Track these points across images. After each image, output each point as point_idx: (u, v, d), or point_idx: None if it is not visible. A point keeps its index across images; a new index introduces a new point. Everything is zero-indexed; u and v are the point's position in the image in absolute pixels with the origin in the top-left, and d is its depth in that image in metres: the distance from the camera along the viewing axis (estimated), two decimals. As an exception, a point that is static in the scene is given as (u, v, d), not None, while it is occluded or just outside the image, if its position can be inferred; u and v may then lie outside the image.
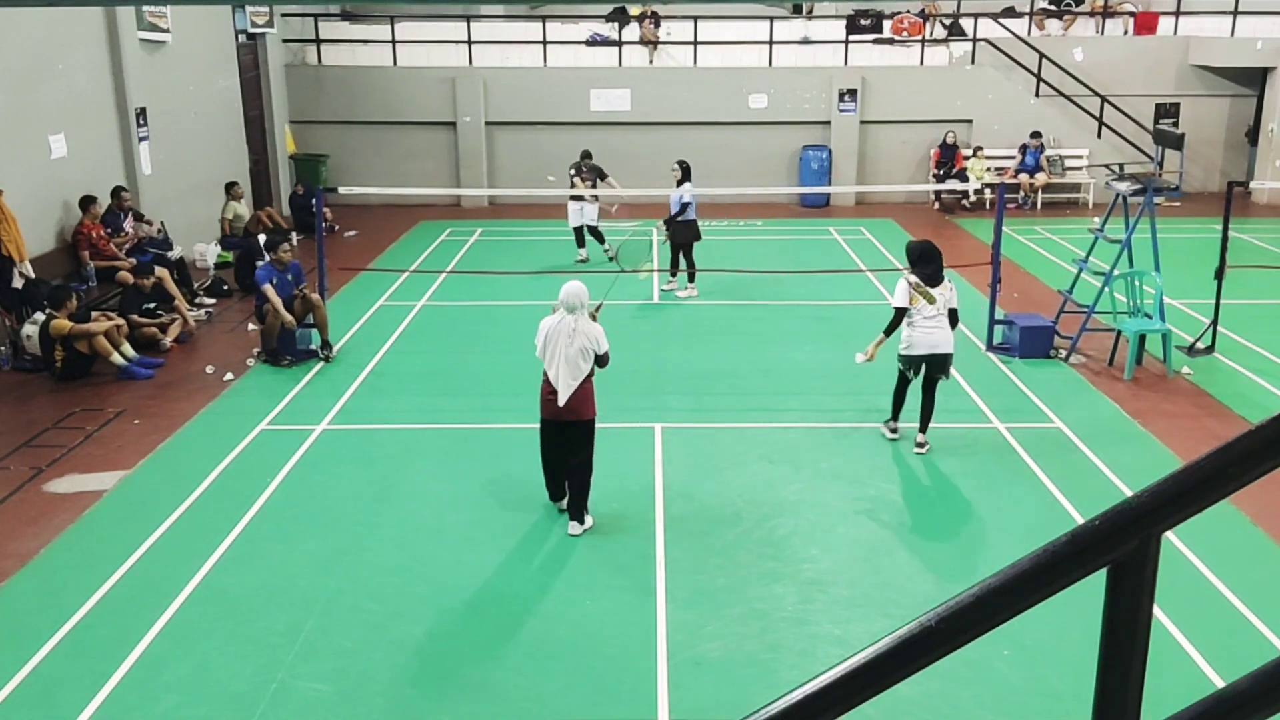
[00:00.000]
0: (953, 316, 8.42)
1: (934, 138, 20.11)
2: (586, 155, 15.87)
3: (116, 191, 13.28)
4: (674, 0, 17.04)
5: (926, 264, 8.34)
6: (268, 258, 11.52)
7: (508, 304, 13.26)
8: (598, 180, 15.41)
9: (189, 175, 15.67)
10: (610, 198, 15.62)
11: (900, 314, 8.37)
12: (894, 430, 8.82)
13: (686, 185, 13.24)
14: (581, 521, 7.32)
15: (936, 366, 8.40)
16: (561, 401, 7.07)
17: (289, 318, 10.80)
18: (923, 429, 8.60)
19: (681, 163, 13.44)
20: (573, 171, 15.41)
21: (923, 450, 8.56)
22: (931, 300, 8.26)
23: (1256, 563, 6.90)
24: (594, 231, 15.37)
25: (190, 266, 14.18)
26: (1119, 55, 20.55)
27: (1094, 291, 11.17)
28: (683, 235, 13.41)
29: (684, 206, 13.22)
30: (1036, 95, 20.34)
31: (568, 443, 7.26)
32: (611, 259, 15.01)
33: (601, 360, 7.22)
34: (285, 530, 7.39)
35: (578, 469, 7.30)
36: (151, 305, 11.57)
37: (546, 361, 7.14)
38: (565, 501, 7.50)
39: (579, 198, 15.08)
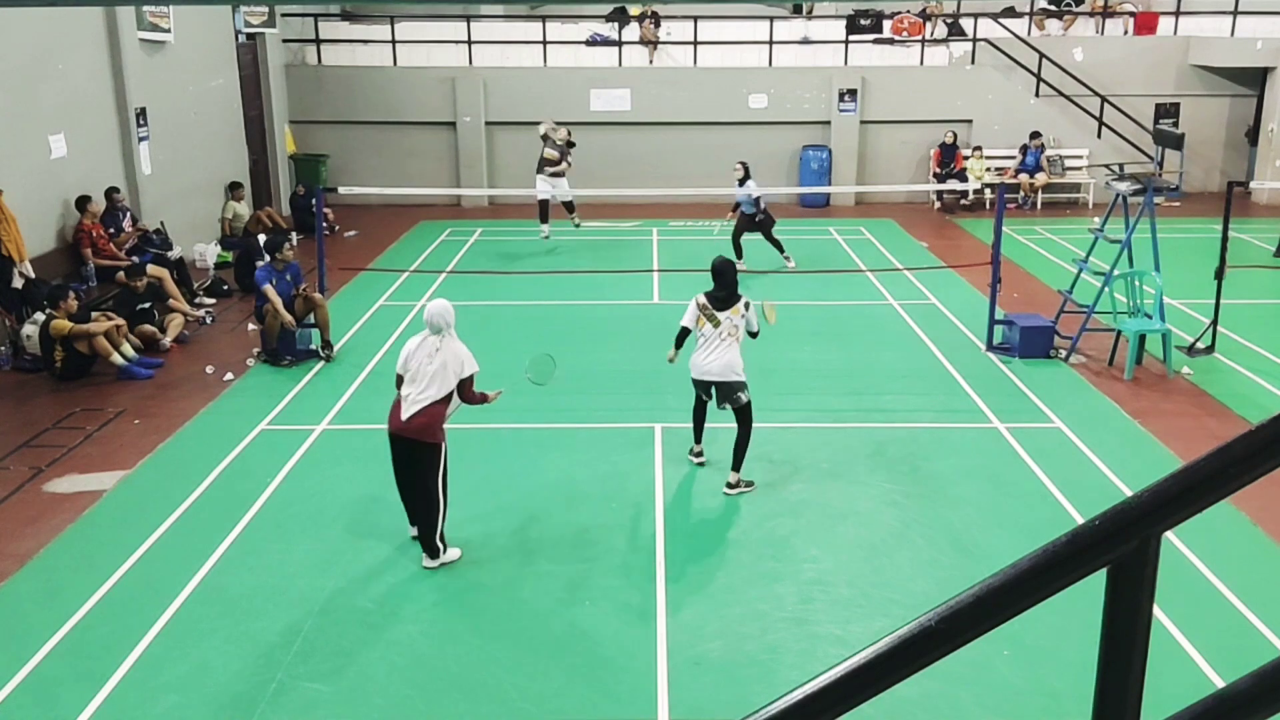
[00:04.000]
0: (753, 337, 7.94)
1: (934, 138, 20.11)
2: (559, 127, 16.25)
3: (109, 193, 13.24)
4: (674, 0, 17.04)
5: (718, 284, 7.81)
6: (267, 258, 11.52)
7: (507, 304, 13.26)
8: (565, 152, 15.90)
9: (189, 175, 15.67)
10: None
11: (684, 331, 7.94)
12: (698, 455, 8.31)
13: (750, 183, 14.23)
14: (433, 556, 6.81)
15: (723, 394, 7.78)
16: (404, 416, 6.62)
17: (289, 317, 10.80)
18: (734, 466, 7.83)
19: (744, 163, 14.43)
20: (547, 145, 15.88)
21: (732, 492, 7.78)
22: (716, 324, 7.72)
23: (1256, 563, 6.90)
24: (567, 205, 16.01)
25: (190, 266, 14.17)
26: (1119, 55, 20.55)
27: (1094, 291, 11.17)
28: (761, 224, 14.51)
29: (756, 200, 14.32)
30: (1036, 95, 20.34)
31: (411, 465, 6.76)
32: (577, 226, 15.45)
33: (465, 387, 6.70)
34: (285, 530, 7.38)
35: (421, 498, 6.78)
36: (146, 305, 11.54)
37: (407, 379, 6.73)
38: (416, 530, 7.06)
39: (555, 173, 15.64)
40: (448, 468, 6.84)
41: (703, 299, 7.83)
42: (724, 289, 7.79)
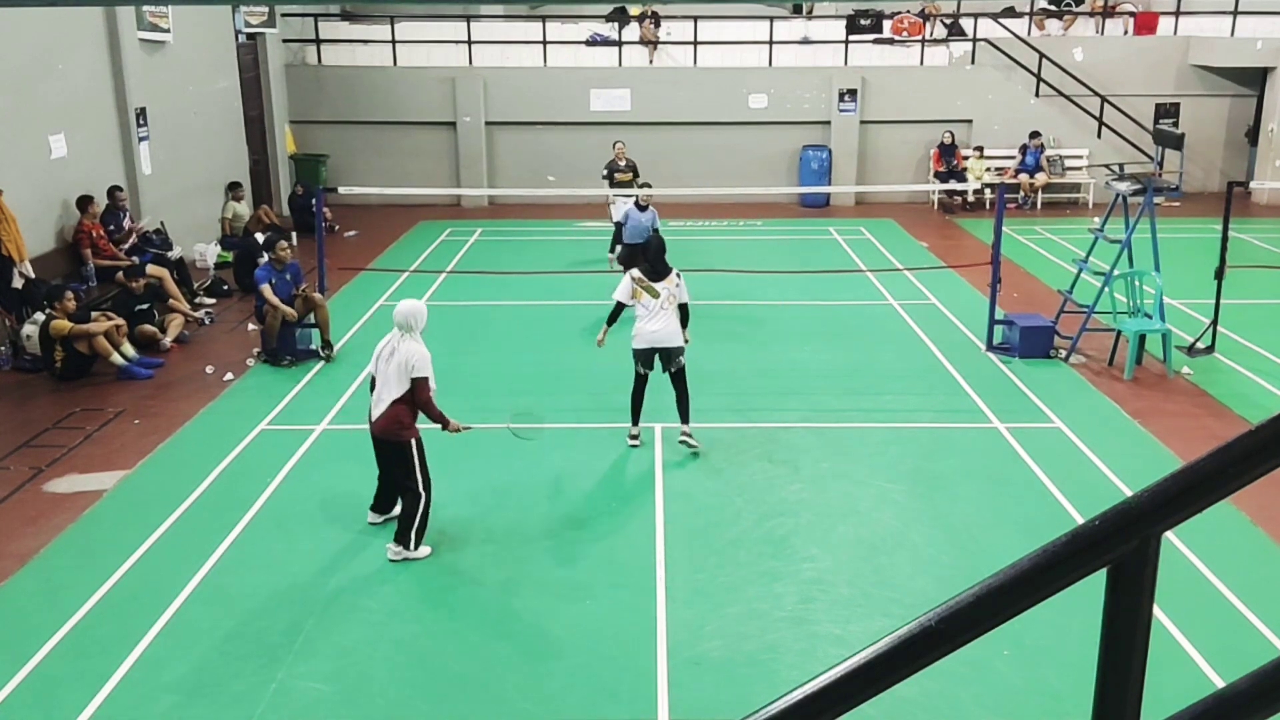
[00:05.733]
0: (683, 311, 8.51)
1: (934, 138, 20.11)
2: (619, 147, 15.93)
3: (111, 192, 13.27)
4: (674, 0, 17.04)
5: (649, 258, 8.55)
6: (266, 257, 11.52)
7: (507, 304, 13.26)
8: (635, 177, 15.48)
9: (189, 175, 15.67)
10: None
11: (619, 307, 8.52)
12: (635, 438, 8.68)
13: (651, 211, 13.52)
14: (405, 547, 6.86)
15: (667, 359, 8.45)
16: (373, 415, 6.82)
17: (289, 311, 10.80)
18: (684, 420, 8.54)
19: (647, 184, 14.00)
20: (606, 172, 15.57)
21: (690, 443, 8.46)
22: (655, 294, 8.35)
23: (1256, 563, 6.90)
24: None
25: (190, 266, 14.17)
26: (1119, 55, 20.54)
27: (1094, 291, 11.17)
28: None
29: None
30: (1036, 95, 20.34)
31: (387, 461, 7.02)
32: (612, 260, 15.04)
33: (418, 390, 6.66)
34: (285, 530, 7.39)
35: (402, 493, 6.92)
36: (145, 306, 11.53)
37: (378, 379, 6.83)
38: (379, 516, 7.30)
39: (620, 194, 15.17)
40: (425, 465, 6.86)
41: (637, 273, 8.48)
42: (656, 262, 8.48)
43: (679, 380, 8.48)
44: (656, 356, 8.44)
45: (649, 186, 13.13)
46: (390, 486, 7.18)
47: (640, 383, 8.56)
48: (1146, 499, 1.15)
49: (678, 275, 8.48)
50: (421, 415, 6.86)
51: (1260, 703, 1.12)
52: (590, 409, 9.65)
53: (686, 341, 8.54)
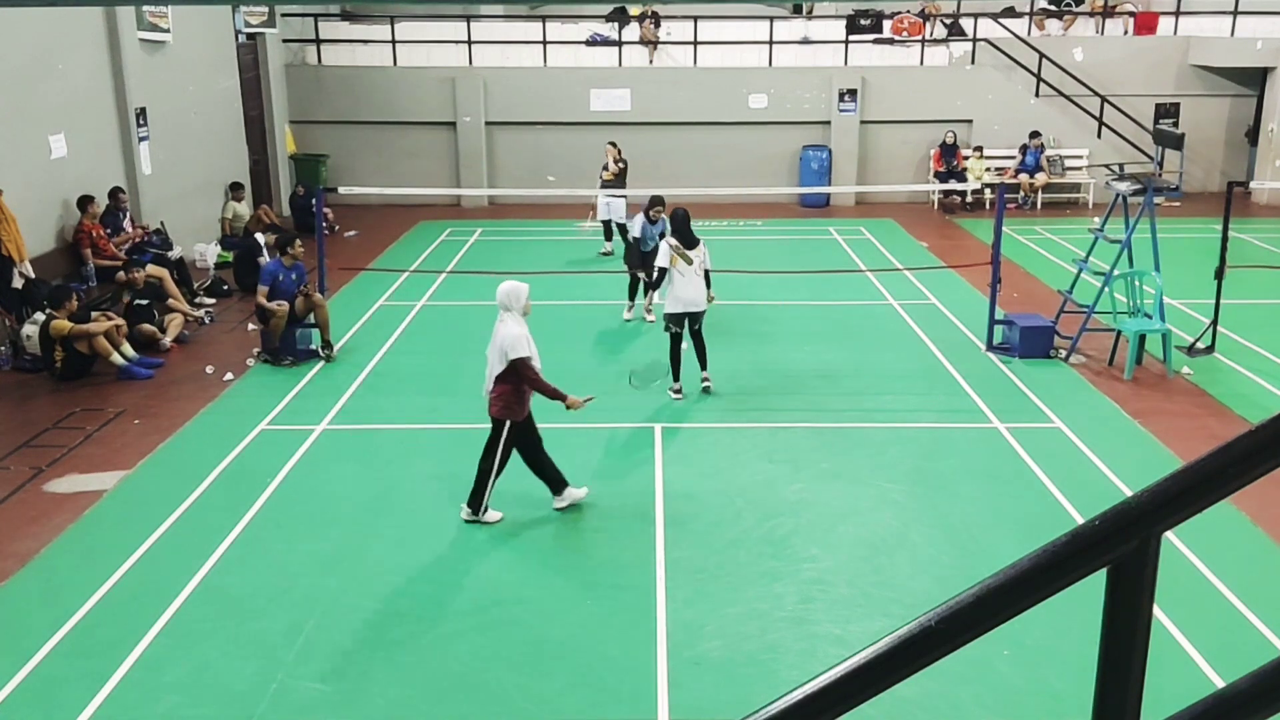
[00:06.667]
0: (706, 276, 9.56)
1: (934, 138, 20.11)
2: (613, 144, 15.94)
3: (114, 193, 13.28)
4: (674, 0, 17.04)
5: (681, 228, 9.59)
6: (267, 256, 11.51)
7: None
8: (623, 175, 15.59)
9: (189, 175, 15.67)
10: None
11: (663, 273, 9.57)
12: (678, 391, 9.67)
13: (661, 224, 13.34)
14: (475, 511, 7.33)
15: (695, 319, 9.62)
16: (484, 393, 7.24)
17: (287, 306, 10.79)
18: (704, 367, 9.81)
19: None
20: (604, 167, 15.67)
21: (709, 385, 9.77)
22: (689, 261, 9.42)
23: (1256, 563, 6.90)
24: (620, 228, 15.46)
25: (190, 266, 14.18)
26: (1119, 55, 20.54)
27: (1094, 291, 11.17)
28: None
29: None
30: (1036, 95, 20.34)
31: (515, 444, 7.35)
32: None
33: (520, 371, 6.97)
34: (285, 530, 7.39)
35: (481, 463, 7.31)
36: (145, 302, 11.51)
37: None
38: (562, 500, 7.56)
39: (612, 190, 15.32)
40: (509, 447, 7.23)
41: (674, 241, 9.50)
42: (684, 233, 9.57)
43: (699, 336, 9.70)
44: (686, 319, 9.52)
45: (661, 204, 12.61)
46: (539, 467, 7.46)
47: (676, 341, 9.59)
48: (1146, 499, 1.15)
49: (703, 244, 9.61)
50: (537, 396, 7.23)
51: (1260, 703, 1.12)
52: (590, 409, 9.62)
53: (711, 300, 9.64)
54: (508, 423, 7.18)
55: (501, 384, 7.08)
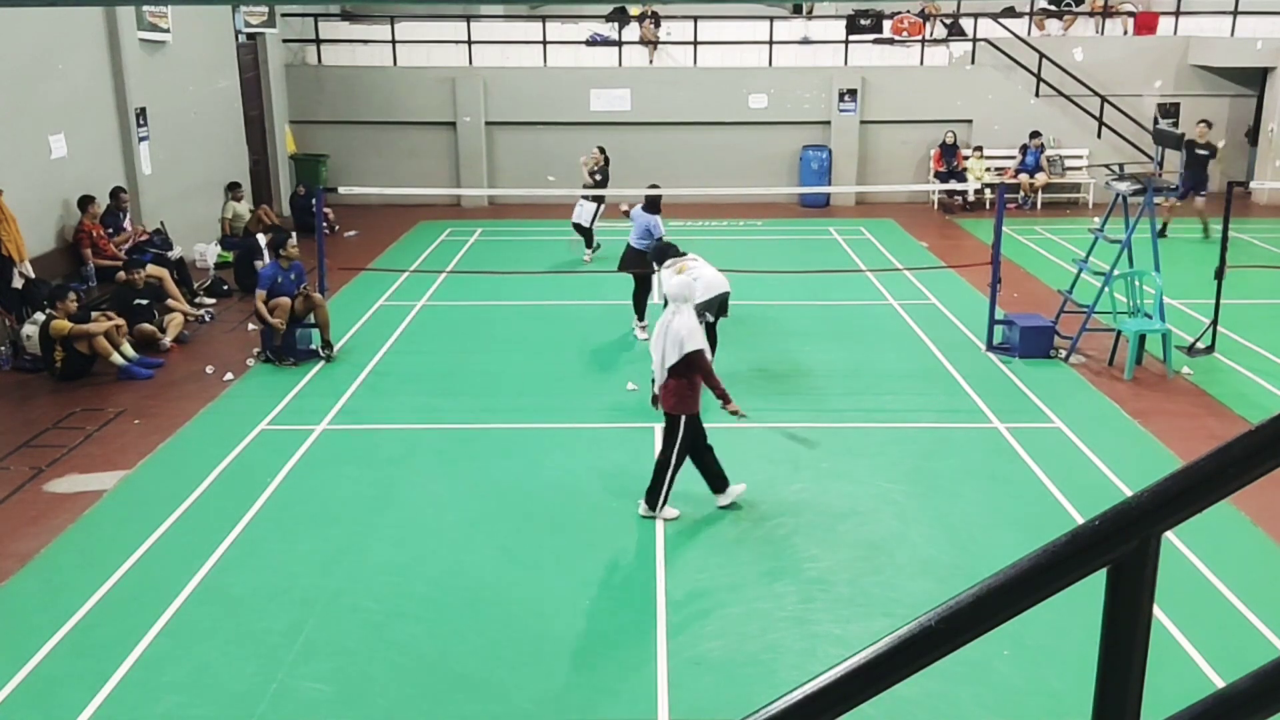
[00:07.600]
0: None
1: (934, 138, 20.11)
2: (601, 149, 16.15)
3: (115, 192, 13.29)
4: (674, 0, 17.04)
5: (663, 257, 10.08)
6: (267, 256, 11.51)
7: (508, 304, 13.26)
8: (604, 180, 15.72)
9: (189, 175, 15.67)
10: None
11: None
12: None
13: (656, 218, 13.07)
14: (651, 507, 7.38)
15: (723, 307, 10.10)
16: (656, 389, 7.33)
17: (288, 303, 10.79)
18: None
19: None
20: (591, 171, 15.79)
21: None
22: (684, 255, 10.11)
23: (1256, 563, 6.90)
24: (584, 230, 15.56)
25: (190, 266, 14.18)
26: (1119, 55, 20.54)
27: (1094, 291, 11.17)
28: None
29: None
30: (1036, 95, 20.34)
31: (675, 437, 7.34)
32: (586, 261, 15.16)
33: (694, 360, 7.06)
34: (285, 530, 7.39)
35: (660, 457, 7.37)
36: (144, 302, 11.51)
37: None
38: (725, 498, 7.56)
39: (597, 198, 15.42)
40: (687, 440, 7.23)
41: (677, 263, 9.80)
42: (669, 255, 10.09)
43: (712, 330, 9.89)
44: (719, 302, 9.82)
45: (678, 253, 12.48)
46: (703, 466, 7.46)
47: (710, 330, 9.63)
48: (1146, 499, 1.15)
49: (686, 254, 10.11)
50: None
51: (1260, 703, 1.12)
52: (590, 409, 9.65)
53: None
54: (684, 416, 7.20)
55: (675, 378, 7.11)
